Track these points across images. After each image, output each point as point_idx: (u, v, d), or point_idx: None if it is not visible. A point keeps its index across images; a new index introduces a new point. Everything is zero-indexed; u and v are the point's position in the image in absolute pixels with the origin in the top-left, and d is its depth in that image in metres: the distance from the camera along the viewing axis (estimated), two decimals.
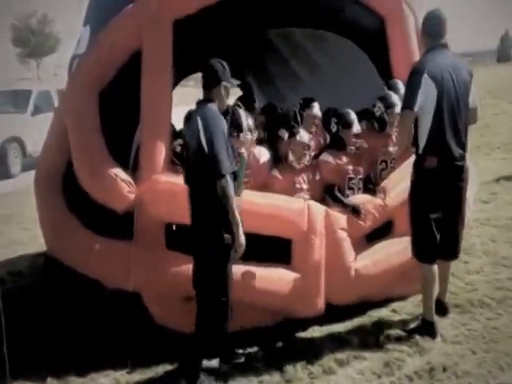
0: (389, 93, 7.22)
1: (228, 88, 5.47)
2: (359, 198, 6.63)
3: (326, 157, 6.94)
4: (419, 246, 5.99)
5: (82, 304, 6.41)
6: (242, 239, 5.20)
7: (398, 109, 6.85)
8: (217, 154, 5.09)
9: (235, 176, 5.37)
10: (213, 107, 5.31)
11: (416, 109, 5.68)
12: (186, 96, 16.74)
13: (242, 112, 6.72)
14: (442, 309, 6.23)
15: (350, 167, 6.89)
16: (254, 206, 6.01)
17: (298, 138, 6.78)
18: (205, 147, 5.12)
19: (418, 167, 5.93)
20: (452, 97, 5.80)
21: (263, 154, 6.89)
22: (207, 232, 5.27)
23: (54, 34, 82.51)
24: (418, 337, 5.79)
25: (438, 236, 5.90)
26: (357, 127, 6.94)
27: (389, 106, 7.12)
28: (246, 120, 6.65)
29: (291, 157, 6.80)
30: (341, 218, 6.33)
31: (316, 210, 6.25)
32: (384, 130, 7.24)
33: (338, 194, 6.70)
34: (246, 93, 8.70)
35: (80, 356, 5.93)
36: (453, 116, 5.81)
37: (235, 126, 6.44)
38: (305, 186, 6.79)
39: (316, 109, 7.64)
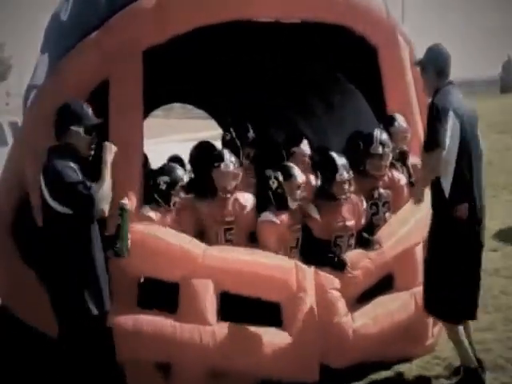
0: (381, 130, 7.21)
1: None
2: (351, 255, 6.54)
3: (313, 212, 6.82)
4: (449, 306, 5.98)
5: (37, 360, 6.47)
6: None
7: (386, 150, 7.01)
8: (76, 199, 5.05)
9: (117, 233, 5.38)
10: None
11: (446, 147, 5.72)
12: (157, 128, 16.75)
13: (224, 149, 6.90)
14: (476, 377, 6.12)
15: (340, 223, 6.77)
16: (237, 265, 6.09)
17: (298, 178, 6.72)
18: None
19: (444, 217, 5.94)
20: (471, 135, 5.94)
21: (249, 201, 6.88)
22: None
23: (4, 59, 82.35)
24: None
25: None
26: (347, 173, 6.79)
27: (385, 144, 7.10)
28: (229, 154, 6.81)
29: (291, 202, 6.70)
30: (332, 278, 6.30)
31: (305, 269, 6.26)
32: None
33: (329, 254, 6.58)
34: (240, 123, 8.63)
35: None
36: (475, 156, 5.94)
37: (216, 158, 6.65)
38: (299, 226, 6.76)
39: (306, 146, 7.68)
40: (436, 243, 6.02)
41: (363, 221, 6.90)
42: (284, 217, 6.61)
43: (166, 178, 6.68)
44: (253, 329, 6.03)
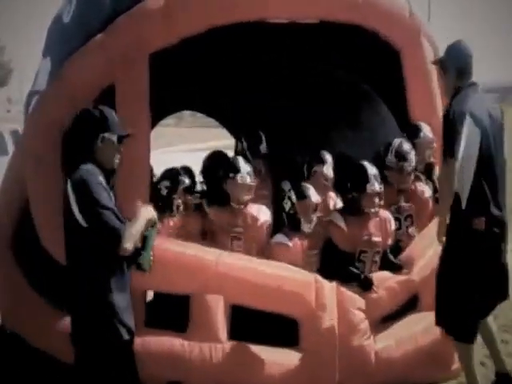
0: (401, 141, 7.01)
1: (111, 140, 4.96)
2: (377, 276, 6.38)
3: (337, 218, 6.63)
4: (461, 324, 5.76)
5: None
6: None
7: (411, 158, 6.82)
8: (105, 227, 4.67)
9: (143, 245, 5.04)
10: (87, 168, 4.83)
11: (459, 157, 5.45)
12: (167, 137, 16.63)
13: (240, 158, 6.74)
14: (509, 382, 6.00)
15: (365, 237, 6.56)
16: (251, 275, 5.99)
17: (312, 199, 6.51)
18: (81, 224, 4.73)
19: (461, 229, 5.69)
20: (492, 145, 5.65)
21: (263, 213, 6.71)
22: None
23: (4, 63, 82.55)
24: None
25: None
26: (378, 184, 6.56)
27: (402, 156, 6.89)
28: (245, 164, 6.63)
29: (305, 225, 6.51)
30: (356, 297, 6.14)
31: (325, 284, 6.10)
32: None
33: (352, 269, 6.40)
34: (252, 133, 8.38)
35: None
36: (497, 166, 5.68)
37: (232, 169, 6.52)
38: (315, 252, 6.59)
39: (328, 166, 7.45)
40: (452, 256, 5.77)
41: (390, 240, 6.68)
42: (297, 240, 6.47)
43: (166, 183, 6.67)
44: (265, 349, 5.92)
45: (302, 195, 6.52)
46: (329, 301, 5.99)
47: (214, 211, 6.65)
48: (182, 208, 6.69)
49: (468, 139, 5.46)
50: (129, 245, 4.59)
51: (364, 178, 6.51)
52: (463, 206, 5.54)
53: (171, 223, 6.60)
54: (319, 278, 6.14)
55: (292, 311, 5.99)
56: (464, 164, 5.48)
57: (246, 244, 6.60)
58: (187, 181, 6.87)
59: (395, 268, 6.43)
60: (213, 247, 6.29)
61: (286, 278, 6.09)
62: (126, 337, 4.82)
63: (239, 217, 6.60)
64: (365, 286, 6.15)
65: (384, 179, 6.85)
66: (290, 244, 6.40)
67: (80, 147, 4.79)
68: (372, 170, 6.58)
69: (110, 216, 4.57)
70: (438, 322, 5.93)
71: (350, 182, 6.70)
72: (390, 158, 6.90)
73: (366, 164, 6.64)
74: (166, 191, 6.62)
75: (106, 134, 4.77)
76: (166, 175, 6.84)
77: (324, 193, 7.32)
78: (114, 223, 4.58)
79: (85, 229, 4.61)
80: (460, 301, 5.72)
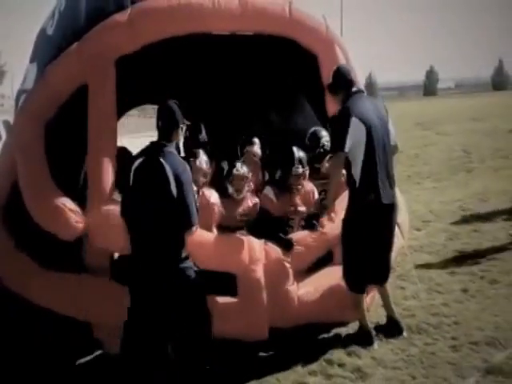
0: (318, 129, 7.32)
1: (183, 129, 5.36)
2: (297, 235, 6.55)
3: (269, 192, 6.89)
4: (352, 278, 6.19)
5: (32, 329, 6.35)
6: None
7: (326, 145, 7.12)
8: (189, 205, 4.97)
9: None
10: (176, 154, 5.17)
11: (347, 149, 5.87)
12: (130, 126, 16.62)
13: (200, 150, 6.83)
14: (396, 327, 6.35)
15: (292, 208, 6.86)
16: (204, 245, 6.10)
17: (235, 170, 6.76)
18: (174, 198, 4.95)
19: (354, 204, 6.06)
20: (379, 135, 6.01)
21: (213, 195, 6.74)
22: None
23: (0, 66, 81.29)
24: (360, 362, 5.77)
25: (371, 266, 6.14)
26: (302, 167, 6.85)
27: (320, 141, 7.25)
28: (203, 155, 6.74)
29: (230, 189, 6.81)
30: (281, 251, 6.33)
31: (255, 243, 6.25)
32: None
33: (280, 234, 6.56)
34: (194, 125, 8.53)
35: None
36: (383, 152, 6.01)
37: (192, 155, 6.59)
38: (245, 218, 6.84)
39: (256, 146, 7.70)
40: (349, 225, 6.12)
41: (313, 208, 6.88)
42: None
43: None
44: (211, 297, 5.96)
45: (233, 169, 6.83)
46: (258, 255, 6.14)
47: None
48: None
49: (353, 135, 5.86)
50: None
51: (291, 160, 6.79)
52: (357, 184, 5.93)
53: None
54: (251, 238, 6.28)
55: (230, 268, 6.14)
56: (353, 155, 5.90)
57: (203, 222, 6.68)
58: None
59: (313, 227, 6.56)
60: None
61: (225, 242, 6.28)
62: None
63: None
64: (287, 246, 6.29)
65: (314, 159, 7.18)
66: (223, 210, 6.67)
67: (169, 135, 5.24)
68: (298, 153, 6.84)
69: (194, 204, 4.98)
70: (345, 282, 6.26)
71: (279, 163, 6.95)
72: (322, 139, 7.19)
73: (294, 148, 6.86)
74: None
75: (182, 125, 5.30)
76: None
77: (255, 166, 7.66)
78: (196, 211, 4.97)
79: (174, 199, 4.90)
80: (355, 261, 6.11)
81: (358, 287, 6.21)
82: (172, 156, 5.09)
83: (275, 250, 6.27)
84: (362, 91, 6.33)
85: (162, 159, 5.01)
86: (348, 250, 6.14)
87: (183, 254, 5.15)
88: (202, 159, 6.65)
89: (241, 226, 6.81)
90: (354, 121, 5.90)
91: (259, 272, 6.09)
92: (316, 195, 7.03)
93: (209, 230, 6.46)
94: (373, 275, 6.25)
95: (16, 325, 6.44)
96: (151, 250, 5.12)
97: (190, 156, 6.62)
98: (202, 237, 6.08)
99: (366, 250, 6.07)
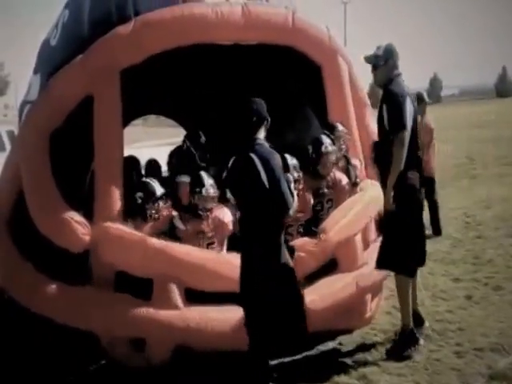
0: (321, 136, 7.21)
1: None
2: (298, 242, 6.51)
3: None
4: (407, 261, 6.17)
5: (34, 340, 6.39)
6: None
7: (330, 150, 7.02)
8: (282, 192, 5.08)
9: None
10: (265, 144, 5.26)
11: (408, 127, 5.99)
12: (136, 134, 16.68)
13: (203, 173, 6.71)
14: (419, 319, 6.43)
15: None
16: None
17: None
18: (267, 187, 5.07)
19: (400, 185, 6.03)
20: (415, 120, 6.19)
21: (226, 215, 6.68)
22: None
23: (3, 77, 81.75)
24: (365, 369, 5.79)
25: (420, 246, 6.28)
26: (296, 173, 6.81)
27: (321, 148, 7.10)
28: (208, 178, 6.61)
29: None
30: None
31: None
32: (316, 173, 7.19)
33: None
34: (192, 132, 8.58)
35: None
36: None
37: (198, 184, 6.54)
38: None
39: None
40: (400, 205, 6.08)
41: (309, 214, 6.93)
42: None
43: (140, 194, 6.60)
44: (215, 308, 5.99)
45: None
46: None
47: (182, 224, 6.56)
48: (155, 215, 6.58)
49: (409, 113, 6.00)
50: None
51: (285, 167, 6.80)
52: (401, 167, 5.98)
53: (145, 229, 6.44)
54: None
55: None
56: (408, 134, 6.00)
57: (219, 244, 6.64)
58: (158, 192, 6.66)
59: (315, 234, 6.52)
60: None
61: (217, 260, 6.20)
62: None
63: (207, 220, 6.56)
64: (288, 252, 6.02)
65: (312, 169, 7.14)
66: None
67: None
68: (292, 161, 6.83)
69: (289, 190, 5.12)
70: (380, 266, 6.27)
71: None
72: (325, 146, 7.04)
73: (287, 156, 6.78)
74: (140, 200, 6.55)
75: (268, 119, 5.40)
76: (140, 186, 6.75)
77: None
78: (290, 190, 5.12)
79: (267, 190, 5.03)
80: (411, 242, 6.11)
81: (410, 269, 6.23)
82: (261, 148, 5.21)
83: None
84: (401, 73, 6.35)
85: (251, 154, 5.16)
86: (400, 232, 6.08)
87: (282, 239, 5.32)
88: (208, 184, 6.51)
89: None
90: (408, 100, 6.05)
91: None
92: (312, 202, 7.03)
93: (221, 245, 6.56)
94: (420, 256, 6.32)
95: (20, 334, 6.51)
96: (256, 234, 5.25)
97: (196, 185, 6.52)
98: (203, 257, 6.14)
99: (417, 229, 6.18)
